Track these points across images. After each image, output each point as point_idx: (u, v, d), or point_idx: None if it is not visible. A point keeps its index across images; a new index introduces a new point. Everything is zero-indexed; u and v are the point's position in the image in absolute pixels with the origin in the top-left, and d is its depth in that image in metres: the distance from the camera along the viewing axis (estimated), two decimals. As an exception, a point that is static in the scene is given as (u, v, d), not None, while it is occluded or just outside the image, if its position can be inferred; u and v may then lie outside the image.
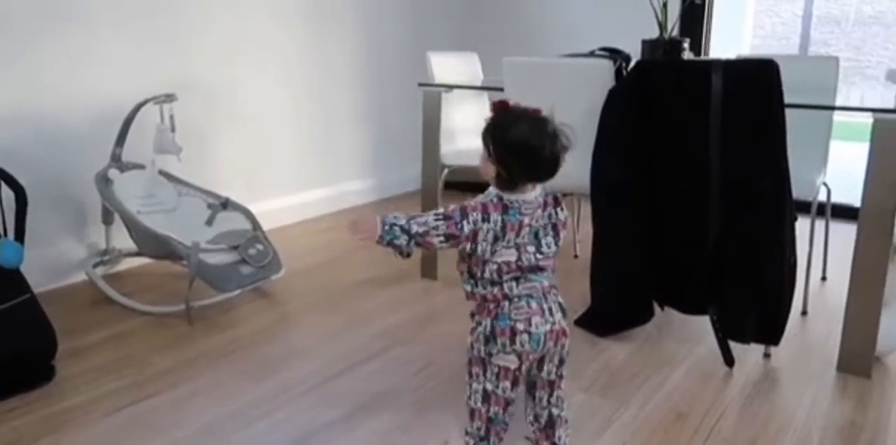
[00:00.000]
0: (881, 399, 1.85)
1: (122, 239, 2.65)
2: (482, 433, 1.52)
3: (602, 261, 2.23)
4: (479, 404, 1.50)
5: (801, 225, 2.06)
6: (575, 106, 2.25)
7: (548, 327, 1.44)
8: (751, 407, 1.81)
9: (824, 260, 2.74)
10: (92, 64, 2.65)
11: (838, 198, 2.55)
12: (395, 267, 2.81)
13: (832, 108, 2.18)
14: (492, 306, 1.45)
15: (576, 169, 2.18)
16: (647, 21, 2.61)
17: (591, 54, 2.54)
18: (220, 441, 1.65)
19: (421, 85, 2.69)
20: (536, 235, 1.45)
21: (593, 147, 2.15)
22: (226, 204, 2.65)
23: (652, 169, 2.09)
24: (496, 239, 1.41)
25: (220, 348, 2.13)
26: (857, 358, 1.97)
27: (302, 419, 1.74)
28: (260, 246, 2.46)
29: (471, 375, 1.52)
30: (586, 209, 2.86)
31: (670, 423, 1.73)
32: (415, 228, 1.40)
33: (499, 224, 1.40)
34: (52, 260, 2.58)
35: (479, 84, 3.02)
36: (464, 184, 2.40)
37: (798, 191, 2.01)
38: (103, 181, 2.47)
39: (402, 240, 1.41)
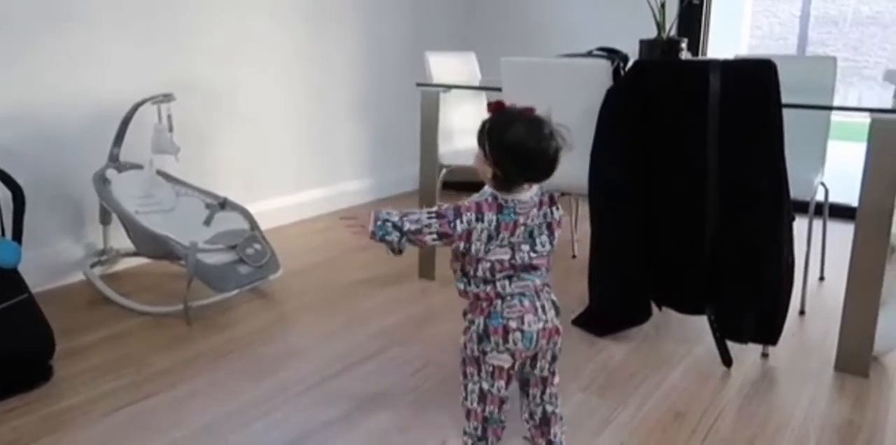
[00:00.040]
0: (879, 399, 1.85)
1: (120, 239, 2.65)
2: (479, 433, 1.52)
3: (600, 261, 2.23)
4: (474, 404, 1.51)
5: (799, 224, 2.06)
6: (573, 106, 2.26)
7: (540, 325, 1.44)
8: (749, 407, 1.81)
9: (822, 260, 2.74)
10: (90, 63, 2.65)
11: (836, 197, 2.56)
12: (392, 267, 2.81)
13: (830, 108, 2.18)
14: (484, 304, 1.45)
15: (574, 168, 2.19)
16: (645, 21, 2.61)
17: (589, 54, 2.54)
18: (219, 440, 1.65)
19: (419, 85, 2.69)
20: (531, 234, 1.45)
21: (591, 147, 2.15)
22: (224, 204, 2.65)
23: (650, 168, 2.09)
24: (490, 238, 1.41)
25: (219, 348, 2.13)
26: (854, 358, 1.97)
27: (300, 419, 1.74)
28: (258, 246, 2.46)
29: (465, 375, 1.52)
30: (584, 209, 2.86)
31: (668, 423, 1.73)
32: (407, 225, 1.41)
33: (493, 223, 1.40)
34: (49, 260, 2.58)
35: (477, 84, 3.02)
36: (462, 183, 2.40)
37: (796, 191, 2.01)
38: (101, 181, 2.47)
39: (394, 237, 1.41)
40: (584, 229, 2.47)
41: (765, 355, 2.09)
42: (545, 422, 1.55)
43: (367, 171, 4.02)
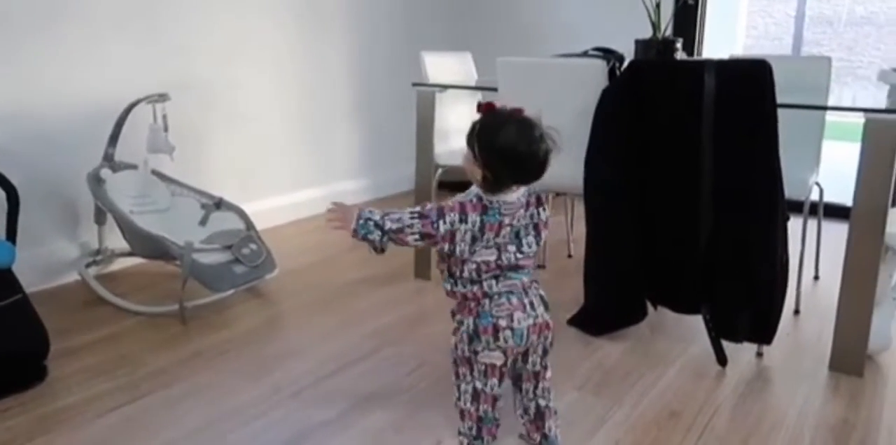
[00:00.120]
0: (873, 398, 1.86)
1: (115, 239, 2.64)
2: (474, 432, 1.53)
3: (595, 261, 2.23)
4: (468, 404, 1.51)
5: (794, 224, 2.07)
6: (568, 106, 2.26)
7: (530, 321, 1.45)
8: (743, 406, 1.82)
9: (816, 260, 2.75)
10: (85, 63, 2.64)
11: (830, 197, 2.56)
12: (388, 266, 2.81)
13: (824, 108, 2.18)
14: (472, 304, 1.46)
15: (569, 168, 2.19)
16: (641, 21, 2.61)
17: (585, 54, 2.54)
18: (215, 440, 1.64)
19: (415, 85, 2.69)
20: (518, 235, 1.45)
21: (587, 146, 2.15)
22: (219, 203, 2.64)
23: (645, 168, 2.09)
24: (474, 239, 1.41)
25: (214, 348, 2.13)
26: (849, 357, 1.98)
27: (296, 418, 1.74)
28: (253, 246, 2.46)
29: (457, 376, 1.52)
30: (580, 209, 2.86)
31: (663, 421, 1.74)
32: (388, 224, 1.41)
33: (477, 224, 1.40)
34: (44, 260, 2.58)
35: (473, 84, 3.02)
36: (458, 183, 2.40)
37: (790, 191, 2.02)
38: (95, 181, 2.47)
39: (376, 236, 1.42)
40: (580, 229, 2.47)
41: (759, 354, 2.10)
42: (539, 416, 1.56)
43: (362, 171, 4.02)
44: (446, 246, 1.41)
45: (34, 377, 1.89)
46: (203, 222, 2.61)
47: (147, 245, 2.39)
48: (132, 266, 2.81)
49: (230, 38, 3.17)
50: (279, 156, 3.52)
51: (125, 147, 2.59)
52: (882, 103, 2.11)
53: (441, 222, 1.40)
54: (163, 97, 2.54)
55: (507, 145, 1.37)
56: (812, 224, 2.47)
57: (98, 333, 2.21)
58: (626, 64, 2.21)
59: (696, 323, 2.12)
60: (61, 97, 2.59)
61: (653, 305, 2.24)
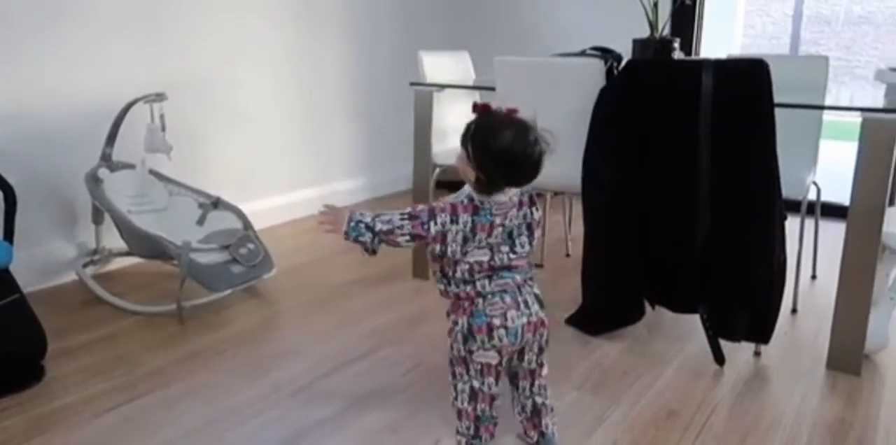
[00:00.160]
0: (870, 397, 1.86)
1: (113, 239, 2.64)
2: (472, 431, 1.53)
3: (593, 260, 2.23)
4: (465, 403, 1.51)
5: (791, 223, 2.07)
6: (566, 105, 2.26)
7: (524, 319, 1.45)
8: (741, 405, 1.82)
9: (814, 259, 2.75)
10: (85, 63, 2.64)
11: (828, 196, 2.57)
12: (386, 266, 2.81)
13: (822, 108, 2.18)
14: (466, 304, 1.46)
15: (567, 168, 2.20)
16: (638, 20, 2.61)
17: (583, 53, 2.54)
18: (213, 440, 1.64)
19: (412, 84, 2.69)
20: (511, 235, 1.46)
21: (584, 146, 2.15)
22: (217, 203, 2.64)
23: (642, 168, 2.09)
24: (466, 240, 1.42)
25: (212, 347, 2.13)
26: (846, 356, 1.98)
27: (293, 417, 1.74)
28: (251, 246, 2.46)
29: (454, 376, 1.52)
30: (577, 208, 2.86)
31: (661, 421, 1.74)
32: (379, 226, 1.42)
33: (468, 225, 1.41)
34: (41, 260, 2.57)
35: (470, 83, 3.01)
36: (455, 183, 2.40)
37: (788, 190, 2.02)
38: (93, 180, 2.46)
39: (367, 238, 1.43)
40: (578, 228, 2.47)
41: (757, 353, 2.10)
42: (536, 414, 1.56)
43: (360, 171, 4.02)
44: (438, 247, 1.42)
45: (31, 377, 1.89)
46: (201, 222, 2.61)
47: (145, 244, 2.39)
48: (130, 265, 2.80)
49: (229, 38, 3.17)
50: (277, 156, 3.52)
51: (123, 146, 2.59)
52: (879, 102, 2.11)
53: (432, 223, 1.40)
54: (160, 97, 2.54)
55: (501, 148, 1.38)
56: (809, 223, 2.47)
57: (95, 333, 2.21)
58: (623, 63, 2.21)
59: (694, 322, 2.12)
60: (60, 97, 2.58)
61: (650, 305, 2.24)
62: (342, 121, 3.85)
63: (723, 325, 2.05)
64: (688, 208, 2.03)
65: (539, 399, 1.56)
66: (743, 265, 1.98)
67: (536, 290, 1.52)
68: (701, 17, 3.86)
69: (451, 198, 1.45)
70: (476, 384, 1.49)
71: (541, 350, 1.52)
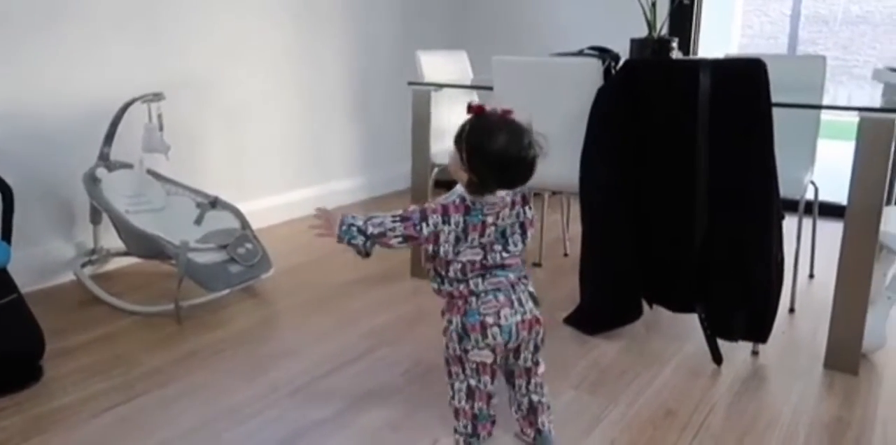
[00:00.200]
0: (868, 396, 1.87)
1: (111, 239, 2.64)
2: (470, 430, 1.53)
3: (591, 260, 2.23)
4: (462, 402, 1.52)
5: (789, 223, 2.07)
6: (564, 105, 2.26)
7: (518, 317, 1.46)
8: (739, 404, 1.82)
9: (812, 258, 2.75)
10: (82, 62, 2.63)
11: (825, 196, 2.57)
12: (384, 266, 2.81)
13: (819, 107, 2.19)
14: (460, 303, 1.47)
15: (565, 167, 2.20)
16: (636, 20, 2.62)
17: (581, 53, 2.55)
18: (211, 440, 1.64)
19: (411, 83, 2.69)
20: (504, 234, 1.46)
21: (582, 146, 2.15)
22: (215, 203, 2.64)
23: (640, 167, 2.09)
24: (458, 240, 1.42)
25: (210, 347, 2.12)
26: (843, 355, 1.98)
27: (292, 417, 1.74)
28: (249, 246, 2.45)
29: (450, 375, 1.53)
30: (576, 208, 2.86)
31: (659, 420, 1.74)
32: (370, 229, 1.44)
33: (460, 225, 1.42)
34: (39, 260, 2.57)
35: (468, 83, 3.02)
36: (453, 182, 2.41)
37: (785, 190, 2.02)
38: (91, 180, 2.46)
39: (359, 241, 1.45)
40: (576, 228, 2.47)
41: (755, 352, 2.10)
42: (532, 412, 1.57)
43: (358, 170, 4.02)
44: (430, 248, 1.43)
45: (29, 377, 1.89)
46: (198, 221, 2.61)
47: (142, 244, 2.39)
48: (128, 265, 2.80)
49: (227, 38, 3.17)
50: (275, 155, 3.52)
51: (120, 146, 2.59)
52: (876, 102, 2.11)
53: (424, 224, 1.41)
54: (158, 96, 2.54)
55: (495, 152, 1.38)
56: (807, 223, 2.48)
57: (93, 333, 2.20)
58: (621, 63, 2.21)
59: (692, 321, 2.13)
60: (58, 96, 2.58)
61: (648, 304, 2.24)
62: (340, 121, 3.85)
63: (721, 325, 2.05)
64: (686, 207, 2.03)
65: (535, 398, 1.56)
66: (741, 264, 1.99)
67: (531, 288, 1.52)
68: (699, 17, 3.86)
69: (442, 198, 1.46)
70: (472, 382, 1.50)
71: (536, 348, 1.53)
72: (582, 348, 2.13)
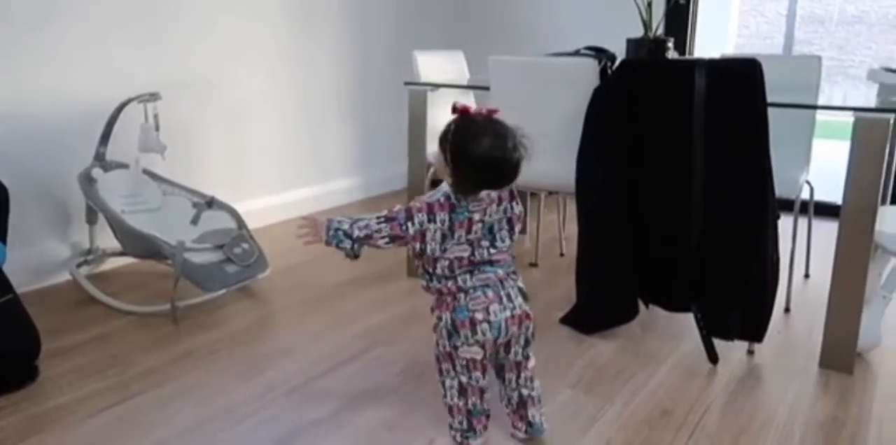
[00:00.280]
0: (863, 395, 1.87)
1: (107, 239, 2.63)
2: (465, 426, 1.54)
3: (587, 260, 2.24)
4: (455, 399, 1.52)
5: (784, 223, 2.08)
6: (560, 105, 2.27)
7: (508, 313, 1.47)
8: (734, 403, 1.83)
9: (807, 258, 2.76)
10: (80, 62, 2.63)
11: (821, 196, 2.58)
12: (380, 266, 2.81)
13: (815, 107, 2.19)
14: (449, 299, 1.48)
15: (561, 167, 2.20)
16: (632, 20, 2.62)
17: (577, 53, 2.55)
18: (207, 439, 1.64)
19: (407, 83, 2.69)
20: (491, 230, 1.47)
21: (578, 146, 2.16)
22: (211, 203, 2.64)
23: (636, 167, 2.10)
24: (444, 237, 1.43)
25: (206, 347, 2.12)
26: (839, 355, 1.99)
27: (288, 417, 1.74)
28: (245, 246, 2.45)
29: (441, 372, 1.54)
30: (571, 207, 2.86)
31: (655, 419, 1.74)
32: (356, 232, 1.45)
33: (446, 223, 1.43)
34: (35, 260, 2.57)
35: (465, 83, 3.02)
36: (450, 182, 2.41)
37: (781, 190, 2.02)
38: (87, 180, 2.46)
39: (347, 244, 1.46)
40: (572, 228, 2.47)
41: (750, 352, 2.10)
42: (522, 405, 1.57)
43: (354, 170, 4.02)
44: (417, 246, 1.44)
45: (25, 377, 1.88)
46: (195, 221, 2.60)
47: (138, 244, 2.39)
48: (123, 265, 2.80)
49: (224, 38, 3.16)
50: (271, 155, 3.52)
51: (116, 146, 2.59)
52: (871, 102, 2.12)
53: (409, 224, 1.43)
54: (154, 96, 2.54)
55: (479, 155, 1.39)
56: (802, 222, 2.48)
57: (89, 333, 2.20)
58: (617, 63, 2.22)
59: (688, 321, 2.13)
60: (56, 96, 2.58)
61: (644, 304, 2.24)
62: (337, 121, 3.85)
63: (716, 324, 2.05)
64: (681, 207, 2.03)
65: (525, 391, 1.57)
66: (736, 264, 1.99)
67: (520, 284, 1.53)
68: (695, 17, 3.87)
69: (427, 196, 1.47)
70: (464, 379, 1.51)
71: (527, 342, 1.53)
72: (578, 348, 2.14)
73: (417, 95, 2.65)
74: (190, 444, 1.63)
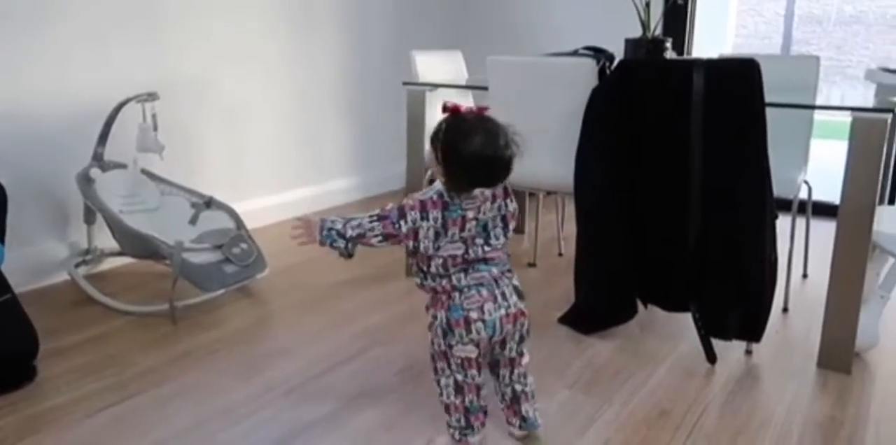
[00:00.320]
0: (861, 395, 1.87)
1: (105, 239, 2.63)
2: (463, 423, 1.54)
3: (586, 260, 2.24)
4: (451, 397, 1.53)
5: (782, 222, 2.08)
6: (558, 105, 2.27)
7: (502, 311, 1.47)
8: (732, 403, 1.83)
9: (805, 258, 2.76)
10: (78, 62, 2.63)
11: (819, 195, 2.58)
12: (379, 266, 2.81)
13: (813, 107, 2.20)
14: (443, 298, 1.48)
15: (560, 167, 2.20)
16: (631, 20, 2.62)
17: (575, 53, 2.55)
18: (206, 439, 1.64)
19: (405, 83, 2.70)
20: (485, 228, 1.47)
21: (577, 146, 2.16)
22: (209, 203, 2.64)
23: (635, 167, 2.10)
24: (438, 235, 1.44)
25: (204, 347, 2.12)
26: (837, 354, 1.99)
27: (287, 417, 1.74)
28: (244, 246, 2.45)
29: (436, 371, 1.54)
30: (570, 207, 2.86)
31: (653, 420, 1.74)
32: (349, 232, 1.46)
33: (439, 221, 1.43)
34: (33, 260, 2.56)
35: (463, 83, 3.02)
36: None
37: (779, 189, 2.03)
38: (85, 180, 2.46)
39: (341, 244, 1.47)
40: (570, 228, 2.47)
41: (748, 352, 2.11)
42: (516, 401, 1.58)
43: (353, 170, 4.02)
44: (410, 244, 1.45)
45: (23, 377, 1.88)
46: (193, 221, 2.60)
47: (137, 244, 2.39)
48: (122, 265, 2.80)
49: (223, 38, 3.16)
50: (270, 155, 3.51)
51: (115, 146, 2.59)
52: (869, 102, 2.12)
53: (402, 222, 1.43)
54: (152, 96, 2.53)
55: (470, 154, 1.39)
56: (800, 222, 2.49)
57: (87, 333, 2.20)
58: (615, 63, 2.22)
59: (686, 321, 2.13)
60: (55, 96, 2.57)
61: (643, 303, 2.24)
62: (335, 121, 3.85)
63: (715, 324, 2.06)
64: (680, 207, 2.04)
65: (518, 387, 1.57)
66: (734, 264, 1.99)
67: (516, 282, 1.53)
68: (693, 17, 3.87)
69: (419, 194, 1.47)
70: (459, 377, 1.51)
71: (522, 338, 1.54)
72: (577, 348, 2.14)
73: (416, 95, 2.65)
74: (188, 444, 1.63)
